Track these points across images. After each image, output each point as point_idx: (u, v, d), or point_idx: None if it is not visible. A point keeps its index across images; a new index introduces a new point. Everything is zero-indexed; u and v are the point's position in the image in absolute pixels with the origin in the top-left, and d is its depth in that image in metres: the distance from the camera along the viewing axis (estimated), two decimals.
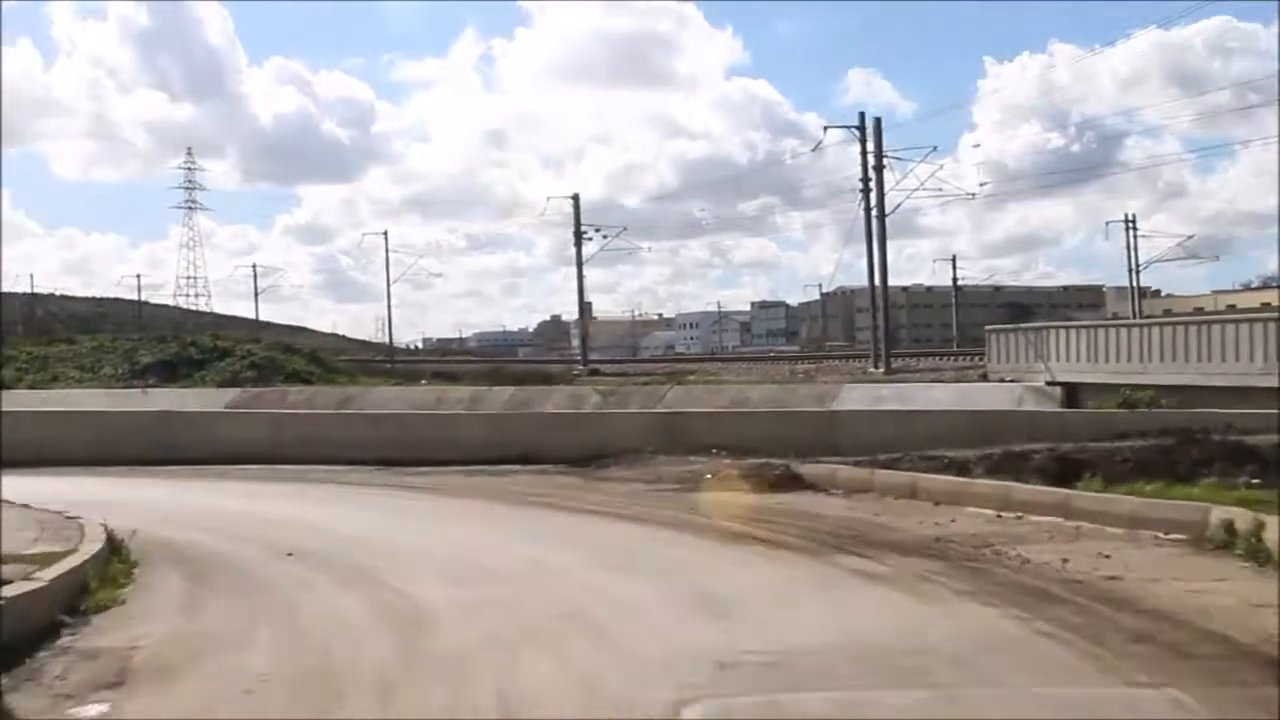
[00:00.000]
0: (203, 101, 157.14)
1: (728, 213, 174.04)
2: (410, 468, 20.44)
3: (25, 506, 12.76)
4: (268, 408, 37.76)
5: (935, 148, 52.85)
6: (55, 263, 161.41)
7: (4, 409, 23.24)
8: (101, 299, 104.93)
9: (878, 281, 47.22)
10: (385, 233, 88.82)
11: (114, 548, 10.73)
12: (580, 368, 58.64)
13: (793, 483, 15.96)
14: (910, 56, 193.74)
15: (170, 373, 47.62)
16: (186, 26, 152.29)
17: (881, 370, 42.38)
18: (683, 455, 18.86)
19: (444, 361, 73.94)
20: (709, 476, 16.92)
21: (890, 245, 55.27)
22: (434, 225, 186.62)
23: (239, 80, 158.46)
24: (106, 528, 11.13)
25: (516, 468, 20.12)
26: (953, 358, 47.21)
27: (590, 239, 65.03)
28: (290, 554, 11.54)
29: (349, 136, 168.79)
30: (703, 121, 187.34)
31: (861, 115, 48.52)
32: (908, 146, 73.00)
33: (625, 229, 68.70)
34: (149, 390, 42.63)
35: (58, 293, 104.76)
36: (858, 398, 24.42)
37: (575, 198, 65.36)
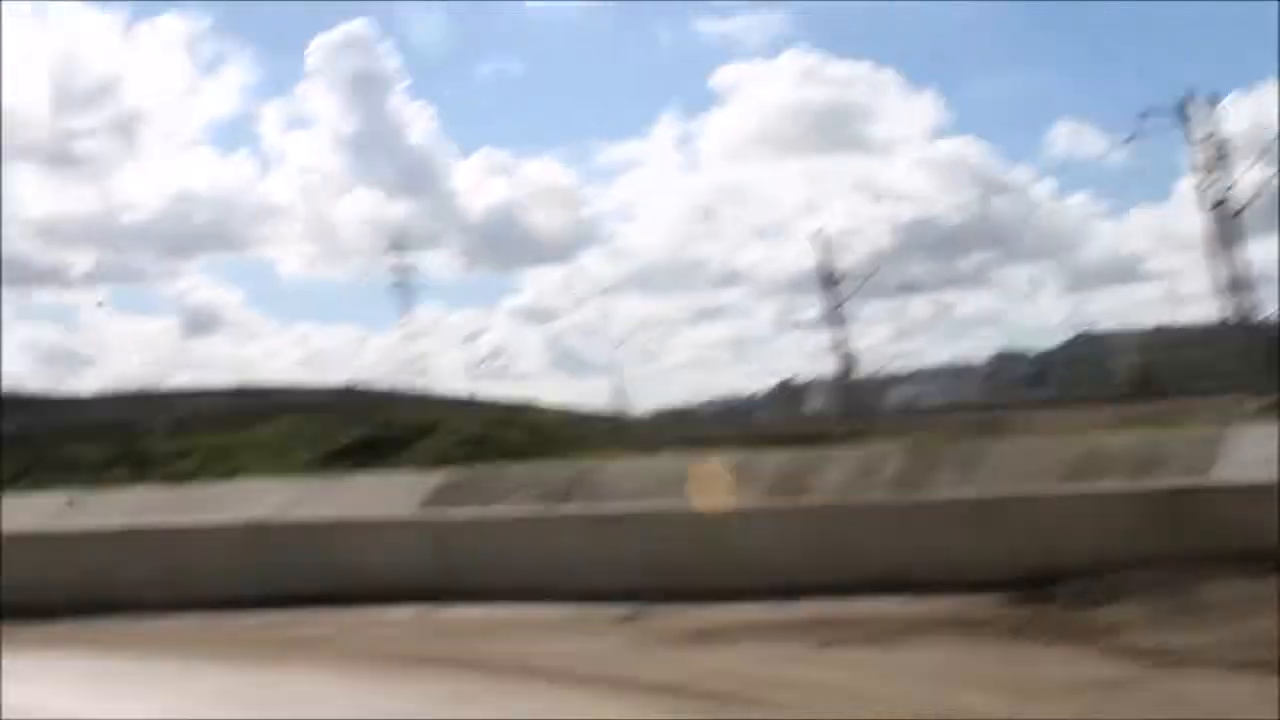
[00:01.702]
0: (417, 196, 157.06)
1: (945, 270, 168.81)
2: (679, 606, 11.75)
3: None
4: (481, 488, 29.43)
5: None
6: (292, 358, 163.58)
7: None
8: (328, 389, 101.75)
9: None
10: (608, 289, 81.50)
11: None
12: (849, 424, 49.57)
13: None
14: (1118, 104, 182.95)
15: (371, 454, 40.41)
16: (393, 128, 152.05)
17: None
18: (1217, 568, 9.43)
19: (683, 429, 65.54)
20: None
21: None
22: (653, 300, 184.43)
23: (449, 174, 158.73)
24: None
25: (885, 602, 11.18)
26: None
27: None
28: None
29: (561, 220, 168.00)
30: (909, 182, 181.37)
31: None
32: None
33: (878, 269, 59.81)
34: (344, 478, 35.29)
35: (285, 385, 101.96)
36: None
37: (820, 231, 56.78)
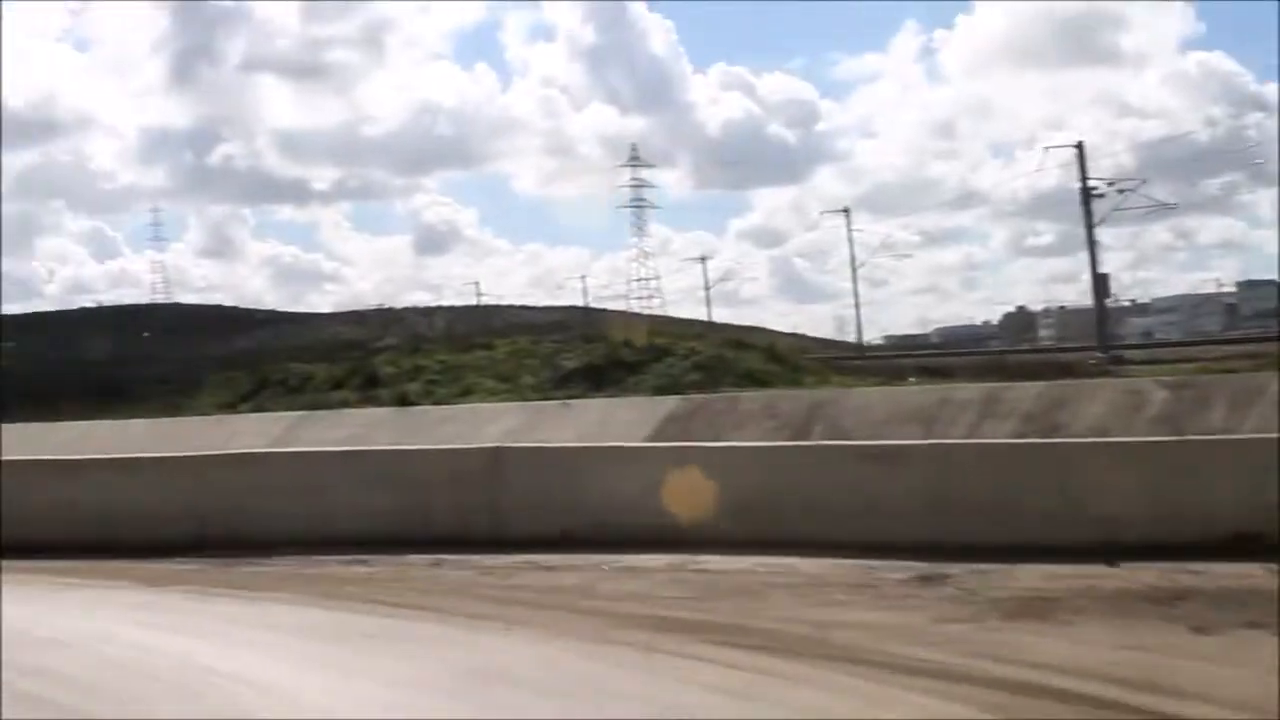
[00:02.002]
0: (651, 112, 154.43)
1: (1188, 193, 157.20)
2: (979, 564, 9.69)
3: None
4: (715, 416, 27.78)
5: None
6: (523, 277, 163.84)
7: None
8: (557, 307, 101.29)
9: None
10: (847, 210, 78.27)
11: None
12: (1097, 356, 45.82)
13: None
14: None
15: (597, 379, 38.92)
16: (632, 39, 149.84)
17: None
18: None
19: (922, 355, 62.44)
20: None
21: None
22: (886, 221, 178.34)
23: (685, 89, 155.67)
24: None
25: (1241, 567, 8.94)
26: None
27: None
28: None
29: (795, 137, 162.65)
30: (1156, 99, 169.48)
31: None
32: None
33: (1144, 181, 55.23)
34: (570, 403, 33.99)
35: (515, 304, 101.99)
36: None
37: (1079, 145, 52.67)
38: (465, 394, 38.25)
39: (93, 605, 10.10)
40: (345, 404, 37.83)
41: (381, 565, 11.43)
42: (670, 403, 33.06)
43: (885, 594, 9.33)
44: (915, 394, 28.02)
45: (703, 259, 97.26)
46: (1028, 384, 26.06)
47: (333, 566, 11.56)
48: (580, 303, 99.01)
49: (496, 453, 12.76)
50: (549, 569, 10.93)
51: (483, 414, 33.79)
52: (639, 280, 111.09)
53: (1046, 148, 72.31)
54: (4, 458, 14.72)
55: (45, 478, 13.97)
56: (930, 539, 10.81)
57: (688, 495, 11.76)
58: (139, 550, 12.75)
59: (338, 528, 12.62)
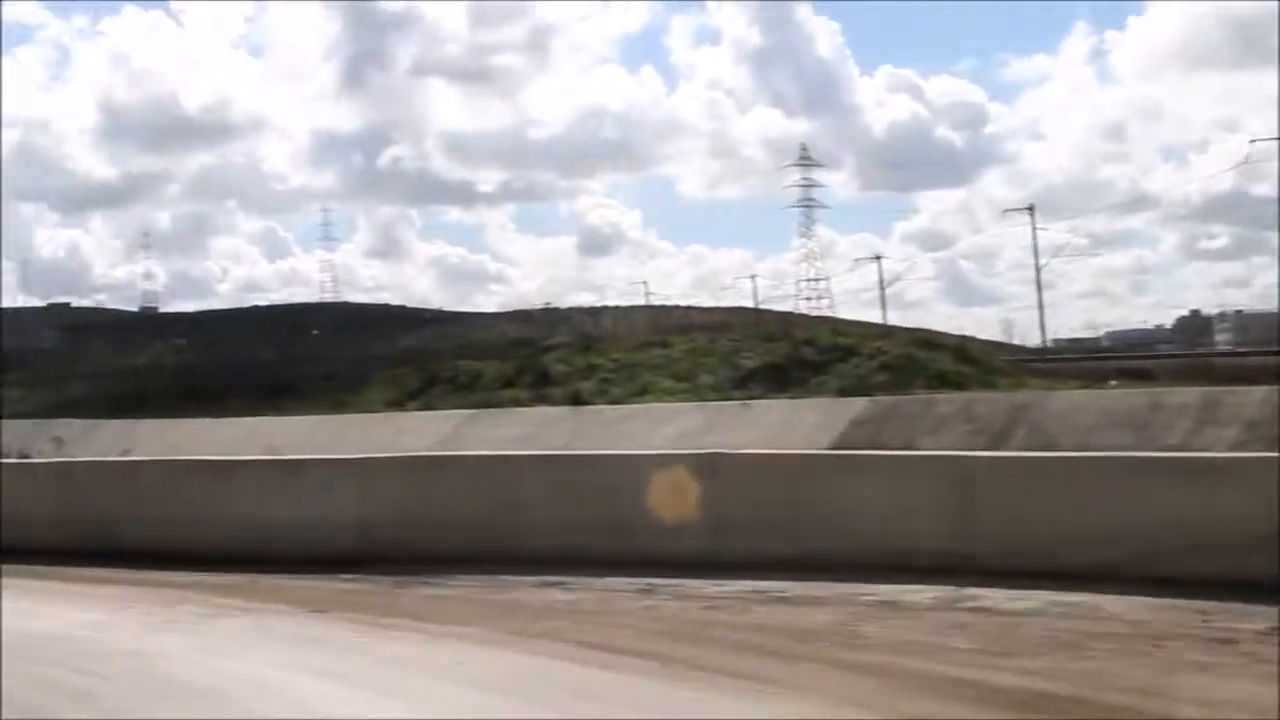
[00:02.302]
0: (817, 115, 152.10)
1: None
2: None
3: None
4: (905, 423, 25.84)
5: None
6: (686, 279, 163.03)
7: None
8: (722, 308, 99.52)
9: None
10: (1032, 208, 74.53)
11: None
12: None
13: None
14: None
15: (779, 379, 36.80)
16: (798, 42, 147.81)
17: None
18: None
19: (1116, 357, 58.74)
20: None
21: None
22: (1053, 224, 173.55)
23: (851, 91, 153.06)
24: None
25: None
26: None
27: None
28: None
29: (962, 139, 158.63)
30: None
31: None
32: None
33: None
34: (750, 403, 31.96)
35: (681, 304, 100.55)
36: None
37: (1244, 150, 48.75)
38: (641, 393, 36.48)
39: (251, 639, 8.38)
40: (516, 402, 36.39)
41: (582, 591, 9.49)
42: (858, 404, 30.74)
43: (1253, 652, 7.04)
44: (1122, 397, 25.35)
45: (878, 258, 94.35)
46: (1249, 388, 23.27)
47: (525, 591, 9.67)
48: (748, 303, 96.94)
49: (714, 459, 10.70)
50: (787, 601, 8.86)
51: (658, 414, 31.95)
52: (808, 281, 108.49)
53: (1252, 140, 67.65)
54: (163, 457, 13.29)
55: (198, 479, 12.42)
56: (1265, 573, 8.50)
57: (956, 512, 9.57)
58: (298, 563, 11.10)
59: (524, 542, 10.77)
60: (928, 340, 42.97)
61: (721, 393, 35.12)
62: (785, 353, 38.91)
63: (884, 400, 30.48)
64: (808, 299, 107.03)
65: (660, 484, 10.61)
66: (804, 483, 10.28)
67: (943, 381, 36.17)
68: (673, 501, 10.48)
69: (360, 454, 12.62)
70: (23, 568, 11.49)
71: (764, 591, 9.15)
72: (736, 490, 10.42)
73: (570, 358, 41.44)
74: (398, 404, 38.08)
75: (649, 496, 10.51)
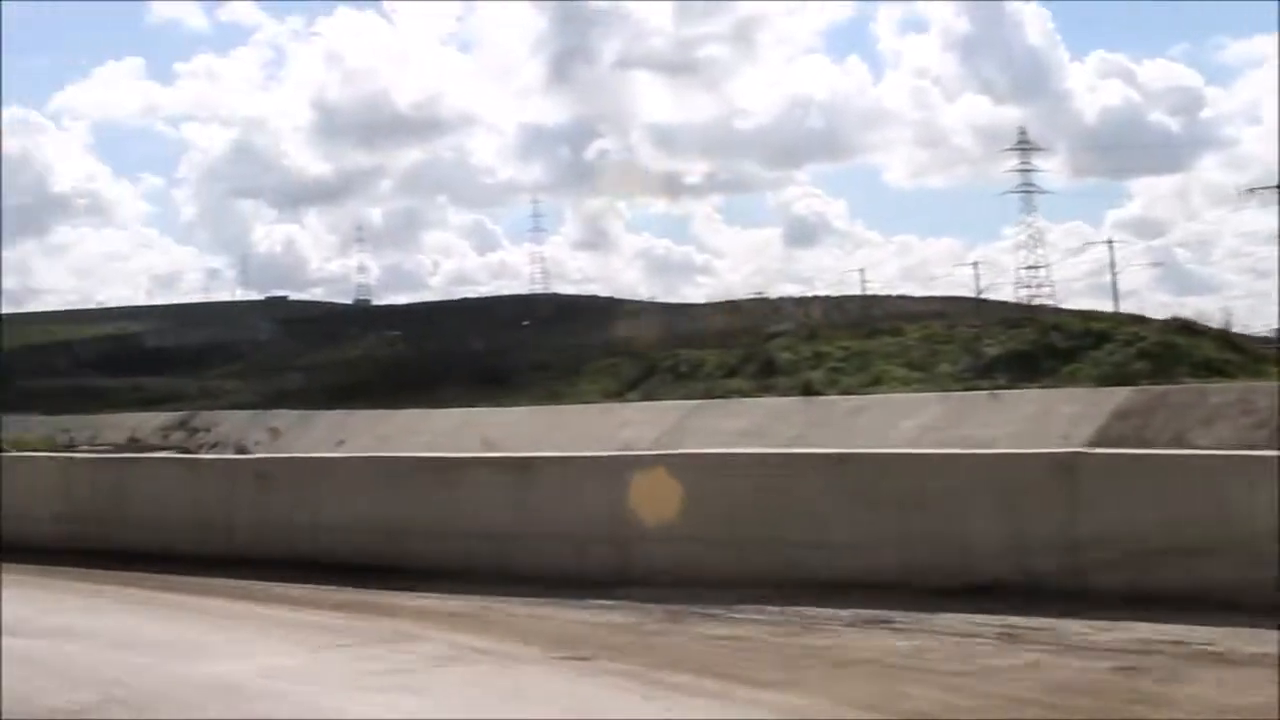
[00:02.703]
0: (1026, 102, 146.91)
1: None
2: None
3: None
4: (1174, 414, 23.09)
5: None
6: (894, 269, 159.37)
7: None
8: (937, 297, 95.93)
9: None
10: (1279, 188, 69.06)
11: None
12: None
13: None
14: None
15: (1027, 367, 33.89)
16: (1007, 29, 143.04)
17: None
18: None
19: None
20: None
21: None
22: (1271, 212, 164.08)
23: (1062, 77, 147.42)
24: None
25: None
26: None
27: None
28: None
29: (1178, 124, 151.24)
30: None
31: None
32: None
33: None
34: (998, 394, 29.23)
35: (893, 294, 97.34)
36: None
37: None
38: (874, 383, 34.01)
39: (507, 701, 6.24)
40: (740, 392, 34.31)
41: (920, 636, 7.12)
42: (1119, 394, 27.62)
43: None
44: None
45: (1109, 242, 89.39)
46: None
47: (836, 631, 7.36)
48: (962, 293, 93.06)
49: (1072, 460, 8.18)
50: (1222, 659, 6.35)
51: (896, 405, 29.44)
52: (1027, 269, 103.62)
53: None
54: (382, 454, 11.47)
55: (418, 478, 10.48)
56: None
57: None
58: (536, 582, 9.05)
59: (810, 563, 8.49)
60: (1187, 326, 39.23)
61: (963, 382, 32.46)
62: (1032, 339, 35.92)
63: (1150, 390, 27.46)
64: (1027, 287, 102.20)
65: (1003, 490, 8.18)
66: (1184, 489, 7.71)
67: (1209, 369, 32.79)
68: (1022, 512, 8.04)
69: (611, 452, 10.48)
70: (216, 582, 9.74)
71: (1171, 638, 6.67)
72: (1101, 500, 7.92)
73: (795, 345, 39.12)
74: (616, 394, 36.40)
75: (986, 507, 8.09)
